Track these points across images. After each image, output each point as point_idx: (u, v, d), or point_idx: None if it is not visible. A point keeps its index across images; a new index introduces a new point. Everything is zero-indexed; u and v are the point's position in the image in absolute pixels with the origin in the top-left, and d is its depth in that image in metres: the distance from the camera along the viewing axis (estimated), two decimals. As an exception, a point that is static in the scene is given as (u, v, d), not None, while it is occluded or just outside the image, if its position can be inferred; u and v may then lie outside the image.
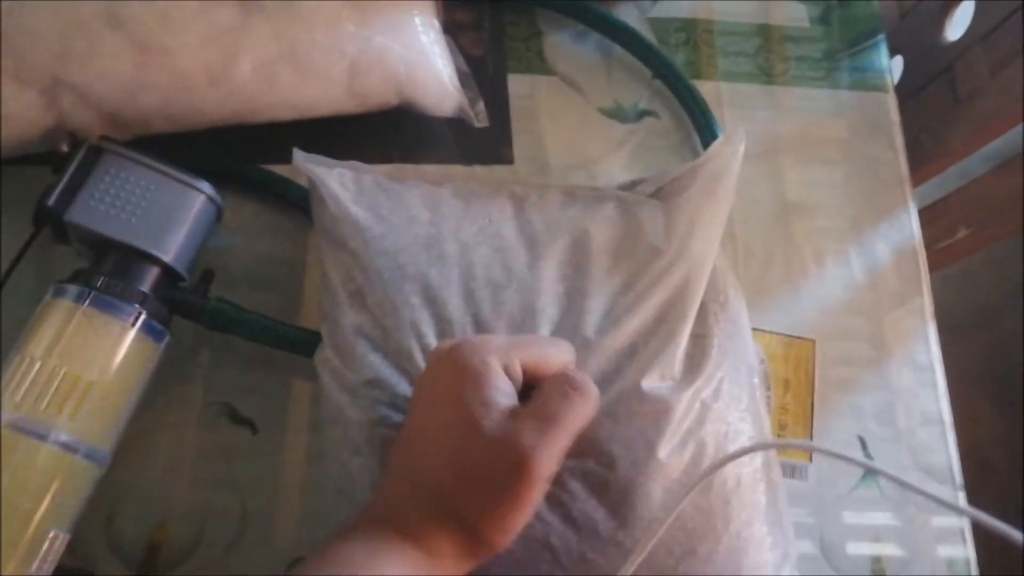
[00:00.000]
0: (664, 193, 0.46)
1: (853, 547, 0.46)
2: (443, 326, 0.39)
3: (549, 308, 0.41)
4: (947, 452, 0.49)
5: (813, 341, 0.51)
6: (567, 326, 0.40)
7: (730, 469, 0.40)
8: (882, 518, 0.47)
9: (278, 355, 0.44)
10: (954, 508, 0.39)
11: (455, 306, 0.40)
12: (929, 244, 0.61)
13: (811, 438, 0.48)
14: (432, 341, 0.39)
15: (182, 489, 0.43)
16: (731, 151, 0.44)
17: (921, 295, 0.53)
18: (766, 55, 0.58)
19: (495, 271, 0.41)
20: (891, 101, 0.58)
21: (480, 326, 0.40)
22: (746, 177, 0.53)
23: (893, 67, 0.71)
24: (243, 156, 0.49)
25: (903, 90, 0.70)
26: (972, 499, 0.48)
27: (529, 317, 0.40)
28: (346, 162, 0.44)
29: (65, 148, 0.42)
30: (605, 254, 0.43)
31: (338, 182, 0.43)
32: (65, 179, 0.41)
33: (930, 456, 0.49)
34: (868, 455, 0.48)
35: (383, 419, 0.38)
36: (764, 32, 0.58)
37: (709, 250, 0.43)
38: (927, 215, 0.65)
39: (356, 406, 0.38)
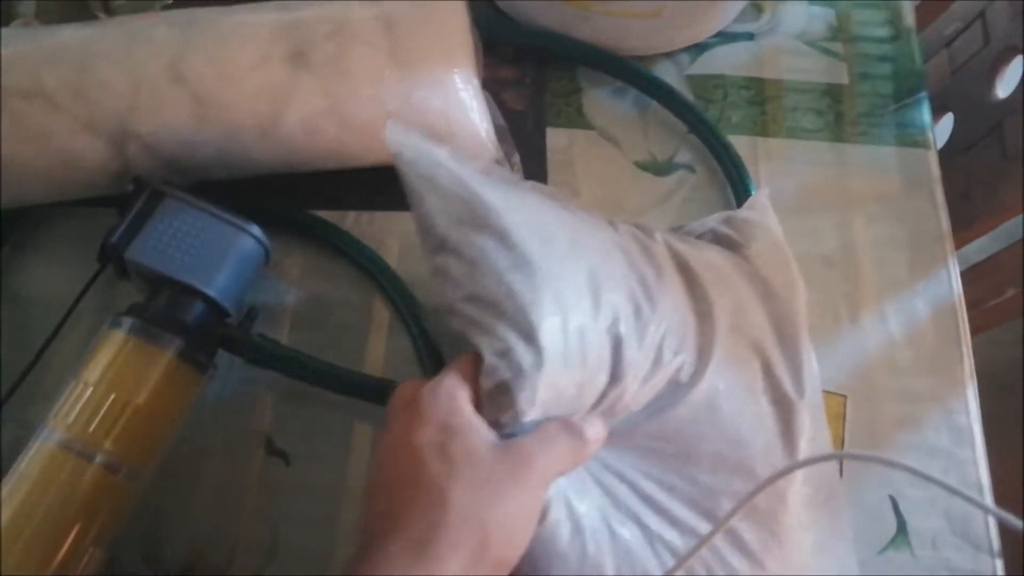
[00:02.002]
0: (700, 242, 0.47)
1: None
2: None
3: (690, 319, 0.42)
4: (985, 519, 0.47)
5: (845, 397, 0.50)
6: (702, 332, 0.42)
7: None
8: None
9: (315, 392, 0.47)
10: (981, 506, 0.37)
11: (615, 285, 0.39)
12: (978, 303, 0.60)
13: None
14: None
15: (216, 515, 0.45)
16: (762, 208, 0.45)
17: (960, 354, 0.52)
18: (804, 111, 0.58)
19: (631, 264, 0.41)
20: (932, 158, 0.57)
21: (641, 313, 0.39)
22: (782, 230, 0.54)
23: (944, 124, 0.71)
24: (292, 202, 0.52)
25: (954, 147, 0.70)
26: (1011, 569, 0.47)
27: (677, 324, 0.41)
28: (439, 147, 0.41)
29: (130, 190, 0.46)
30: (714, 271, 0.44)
31: (446, 155, 0.40)
32: (128, 220, 0.45)
33: (966, 520, 0.47)
34: (899, 516, 0.47)
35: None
36: (803, 88, 0.59)
37: (800, 295, 0.45)
38: (975, 273, 0.64)
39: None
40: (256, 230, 0.46)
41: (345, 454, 0.47)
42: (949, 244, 0.55)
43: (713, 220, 0.47)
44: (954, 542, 0.47)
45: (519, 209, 0.38)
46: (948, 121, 0.70)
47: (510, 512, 0.31)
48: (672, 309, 0.41)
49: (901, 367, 0.51)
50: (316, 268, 0.52)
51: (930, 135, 0.58)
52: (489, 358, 0.34)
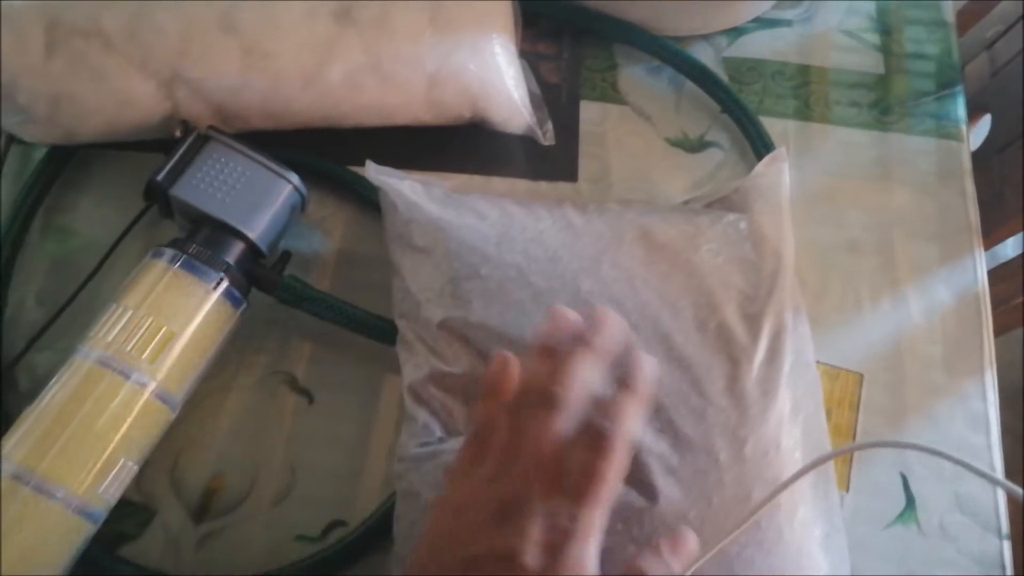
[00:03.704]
0: (714, 210, 0.48)
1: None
2: (534, 305, 0.42)
3: (628, 301, 0.43)
4: (995, 501, 0.47)
5: (861, 375, 0.51)
6: (649, 316, 0.43)
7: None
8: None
9: (341, 333, 0.48)
10: (983, 474, 0.37)
11: (542, 285, 0.43)
12: (1004, 302, 0.59)
13: (850, 473, 0.48)
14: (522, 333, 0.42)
15: (240, 445, 0.47)
16: (777, 168, 0.46)
17: (981, 342, 0.52)
18: (839, 99, 0.59)
19: (574, 254, 0.44)
20: (964, 151, 0.58)
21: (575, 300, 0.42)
22: (807, 213, 0.54)
23: (982, 126, 0.70)
24: (333, 157, 0.54)
25: (991, 147, 0.70)
26: (1018, 551, 0.47)
27: (613, 303, 0.43)
28: (415, 175, 0.48)
29: (178, 133, 0.48)
30: (668, 250, 0.45)
31: (409, 190, 0.47)
32: (174, 160, 0.47)
33: (975, 502, 0.47)
34: (909, 493, 0.47)
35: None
36: (839, 76, 0.60)
37: (789, 253, 0.46)
38: (1002, 272, 0.64)
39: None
40: (295, 178, 0.48)
41: (370, 398, 0.48)
42: (976, 236, 0.55)
43: (727, 188, 0.48)
44: (962, 521, 0.47)
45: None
46: (986, 123, 0.70)
47: None
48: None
49: (920, 351, 0.51)
50: (358, 224, 0.53)
51: (963, 128, 0.59)
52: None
